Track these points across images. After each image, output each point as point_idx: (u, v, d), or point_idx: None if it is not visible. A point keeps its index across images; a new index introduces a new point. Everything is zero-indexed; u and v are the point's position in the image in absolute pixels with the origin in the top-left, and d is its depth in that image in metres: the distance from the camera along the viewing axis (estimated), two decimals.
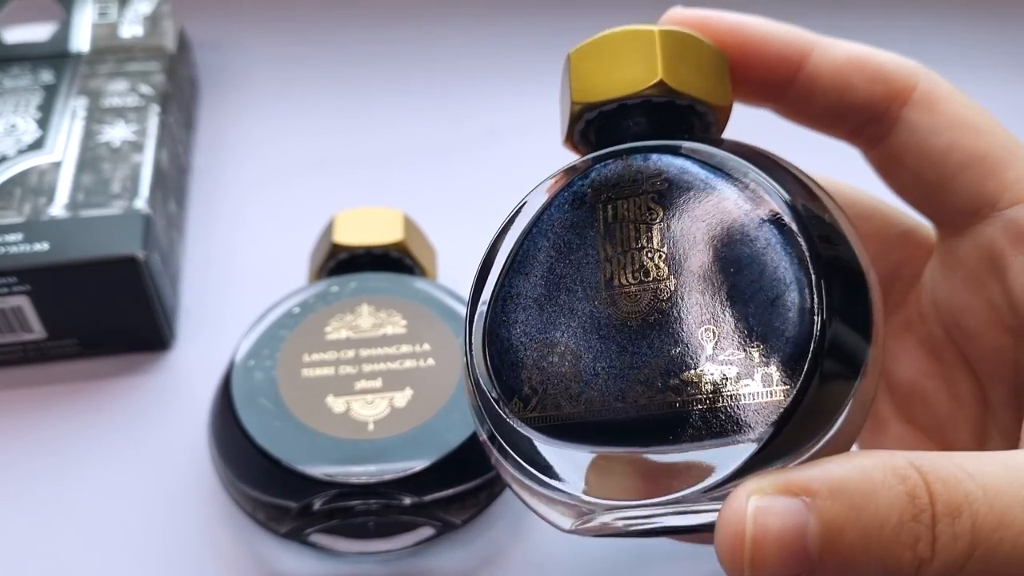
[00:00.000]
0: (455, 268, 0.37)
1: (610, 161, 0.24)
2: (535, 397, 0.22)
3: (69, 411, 0.36)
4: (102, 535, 0.32)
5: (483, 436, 0.24)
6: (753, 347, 0.21)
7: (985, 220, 0.24)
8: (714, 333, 0.21)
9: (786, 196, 0.22)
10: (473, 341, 0.24)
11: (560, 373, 0.22)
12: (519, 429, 0.22)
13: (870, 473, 0.19)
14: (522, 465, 0.22)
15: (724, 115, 0.25)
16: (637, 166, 0.23)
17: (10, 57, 0.43)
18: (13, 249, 0.35)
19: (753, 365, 0.21)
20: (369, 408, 0.30)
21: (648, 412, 0.21)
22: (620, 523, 0.22)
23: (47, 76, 0.42)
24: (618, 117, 0.25)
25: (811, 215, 0.22)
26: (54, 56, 0.43)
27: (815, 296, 0.20)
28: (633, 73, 0.24)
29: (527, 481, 0.22)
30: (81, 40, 0.44)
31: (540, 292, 0.23)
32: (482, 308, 0.24)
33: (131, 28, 0.44)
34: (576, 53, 0.25)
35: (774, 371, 0.20)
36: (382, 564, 0.31)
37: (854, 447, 0.22)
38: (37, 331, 0.36)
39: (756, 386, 0.20)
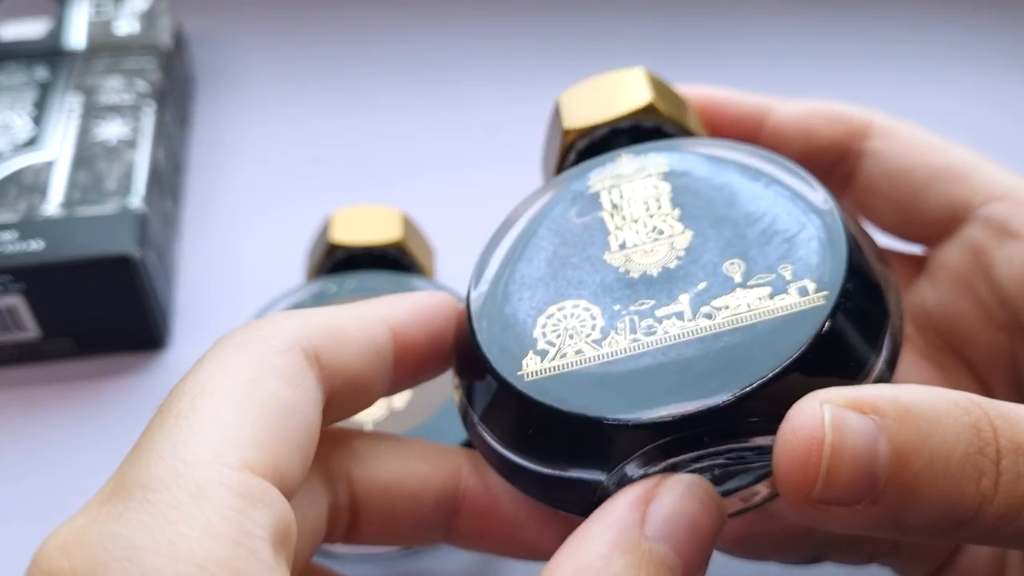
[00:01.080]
0: (454, 267, 0.37)
1: (608, 162, 0.24)
2: (552, 349, 0.21)
3: (64, 411, 0.36)
4: None
5: (482, 428, 0.22)
6: (782, 268, 0.20)
7: (963, 223, 0.25)
8: (740, 265, 0.21)
9: (788, 164, 0.22)
10: (475, 324, 0.22)
11: (578, 324, 0.21)
12: (535, 390, 0.20)
13: (934, 402, 0.18)
14: (539, 437, 0.20)
15: None
16: (636, 159, 0.24)
17: (5, 54, 0.43)
18: (8, 248, 0.35)
19: (786, 282, 0.20)
20: (367, 409, 0.30)
21: (683, 341, 0.20)
22: (659, 466, 0.19)
23: (42, 73, 0.42)
24: (608, 143, 0.25)
25: (813, 180, 0.22)
26: (49, 53, 0.43)
27: (838, 228, 0.20)
28: (623, 100, 0.25)
29: (540, 466, 0.20)
30: (76, 37, 0.43)
31: (544, 272, 0.22)
32: (479, 296, 0.22)
33: (127, 25, 0.44)
34: (565, 95, 0.26)
35: (808, 283, 0.20)
36: (381, 566, 0.31)
37: None
38: (32, 330, 0.36)
39: (793, 298, 0.20)
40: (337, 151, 0.45)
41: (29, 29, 0.44)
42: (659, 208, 0.22)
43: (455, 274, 0.36)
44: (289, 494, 0.18)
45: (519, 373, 0.21)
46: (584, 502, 0.20)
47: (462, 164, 0.44)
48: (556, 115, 0.26)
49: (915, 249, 0.28)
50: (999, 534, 0.18)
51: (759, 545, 0.26)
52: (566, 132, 0.25)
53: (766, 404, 0.19)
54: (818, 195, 0.22)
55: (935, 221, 0.26)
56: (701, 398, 0.19)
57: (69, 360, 0.37)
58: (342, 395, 0.21)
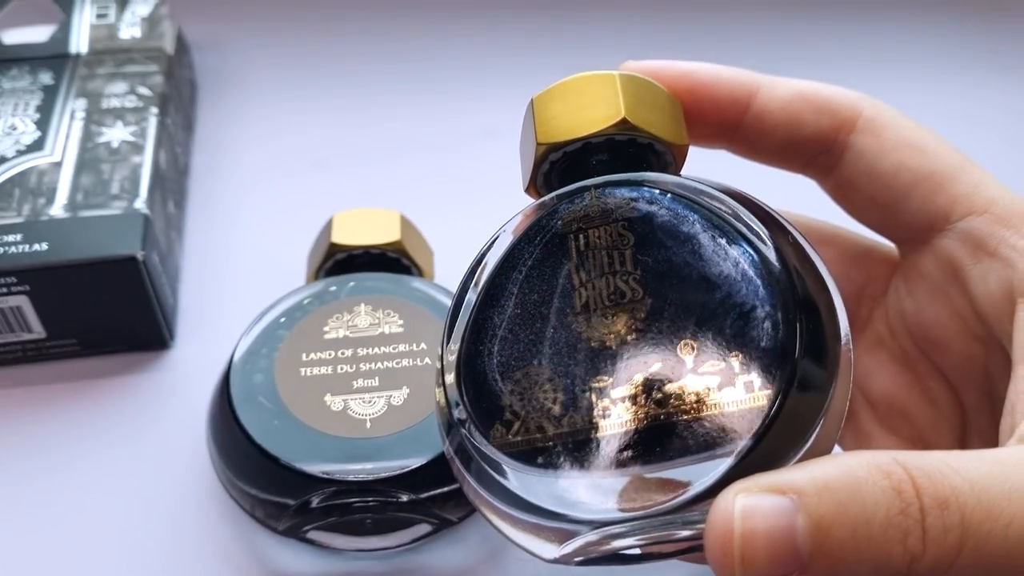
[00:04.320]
0: (452, 268, 0.38)
1: (576, 197, 0.24)
2: (517, 421, 0.22)
3: (68, 410, 0.36)
4: (101, 533, 0.32)
5: (459, 467, 0.23)
6: (732, 357, 0.21)
7: (941, 233, 0.25)
8: (693, 347, 0.22)
9: (750, 219, 0.23)
10: (446, 378, 0.24)
11: (541, 396, 0.22)
12: (500, 456, 0.22)
13: (854, 470, 0.19)
14: (506, 491, 0.22)
15: (681, 155, 0.26)
16: (605, 198, 0.24)
17: (9, 58, 0.43)
18: (12, 249, 0.35)
19: (734, 374, 0.21)
20: (367, 406, 0.31)
21: (634, 427, 0.21)
22: (607, 544, 0.21)
23: (46, 77, 0.42)
24: (581, 157, 0.25)
25: (776, 235, 0.23)
26: (53, 57, 0.43)
27: (787, 307, 0.21)
28: (596, 113, 0.25)
29: (508, 509, 0.22)
30: (80, 42, 0.44)
31: (515, 323, 0.23)
32: (454, 346, 0.24)
33: (129, 30, 0.44)
34: (539, 98, 0.26)
35: (755, 377, 0.21)
36: (379, 561, 0.32)
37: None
38: (37, 331, 0.37)
39: (739, 393, 0.21)
40: (337, 154, 0.46)
41: (33, 34, 0.44)
42: (622, 264, 0.23)
43: (453, 275, 0.37)
44: None
45: (488, 436, 0.23)
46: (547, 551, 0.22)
47: (460, 166, 0.45)
48: (530, 120, 0.26)
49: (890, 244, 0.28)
50: None
51: None
52: (539, 145, 0.25)
53: (705, 497, 0.20)
54: (775, 259, 0.22)
55: (913, 227, 0.26)
56: (645, 501, 0.21)
57: (73, 360, 0.38)
58: None
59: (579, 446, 0.22)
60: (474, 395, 0.23)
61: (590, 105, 0.25)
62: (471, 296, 0.24)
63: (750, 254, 0.22)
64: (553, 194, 0.25)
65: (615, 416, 0.21)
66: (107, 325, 0.37)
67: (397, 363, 0.32)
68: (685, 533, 0.21)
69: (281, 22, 0.52)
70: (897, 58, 0.49)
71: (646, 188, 0.24)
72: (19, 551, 0.32)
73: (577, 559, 0.22)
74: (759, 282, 0.22)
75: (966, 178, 0.25)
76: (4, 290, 0.35)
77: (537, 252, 0.24)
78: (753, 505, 0.19)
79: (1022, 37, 0.50)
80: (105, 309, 0.36)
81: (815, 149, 0.26)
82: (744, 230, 0.23)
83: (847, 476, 0.19)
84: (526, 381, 0.23)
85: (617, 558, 0.22)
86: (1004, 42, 0.49)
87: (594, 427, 0.22)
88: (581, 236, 0.24)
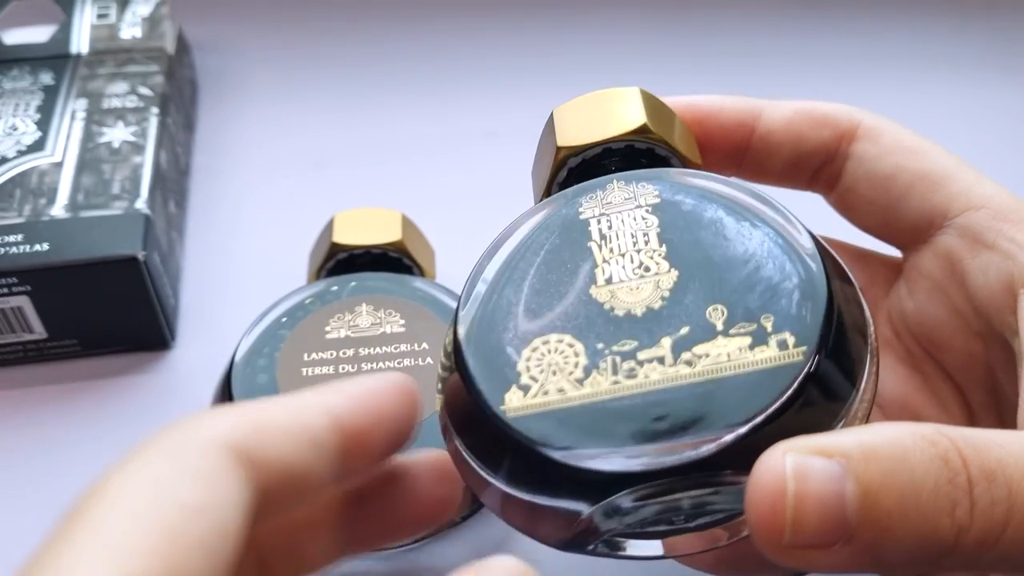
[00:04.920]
0: (454, 268, 0.38)
1: (598, 188, 0.24)
2: (535, 385, 0.21)
3: (70, 411, 0.36)
4: None
5: (463, 449, 0.22)
6: (764, 319, 0.21)
7: (939, 230, 0.26)
8: (722, 311, 0.21)
9: (776, 207, 0.23)
10: (461, 348, 0.22)
11: (562, 360, 0.21)
12: (517, 426, 0.21)
13: (901, 438, 0.18)
14: (519, 470, 0.21)
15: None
16: (628, 186, 0.24)
17: (10, 59, 0.43)
18: (13, 250, 0.35)
19: (767, 334, 0.20)
20: None
21: (662, 386, 0.20)
22: (631, 515, 0.20)
23: (47, 78, 0.42)
24: (599, 163, 0.25)
25: (797, 222, 0.22)
26: (54, 58, 0.43)
27: (816, 280, 0.21)
28: (617, 120, 0.25)
29: (520, 493, 0.21)
30: (80, 42, 0.44)
31: (531, 301, 0.22)
32: (467, 321, 0.22)
33: (130, 30, 0.44)
34: (559, 110, 0.26)
35: (788, 336, 0.20)
36: (381, 560, 0.32)
37: None
38: (38, 331, 0.37)
39: (773, 351, 0.20)
40: (339, 154, 0.46)
41: (34, 34, 0.44)
42: (647, 243, 0.22)
43: (455, 274, 0.37)
44: None
45: (502, 407, 0.21)
46: (562, 531, 0.21)
47: (462, 167, 0.45)
48: (549, 129, 0.26)
49: (895, 251, 0.28)
50: (982, 561, 0.18)
51: (744, 564, 0.25)
52: (559, 149, 0.25)
53: (740, 456, 0.19)
54: (802, 239, 0.22)
55: (913, 226, 0.26)
56: (677, 450, 0.19)
57: (74, 360, 0.38)
58: (278, 490, 0.19)
59: (601, 408, 0.20)
60: (486, 367, 0.21)
61: (611, 113, 0.25)
62: (480, 288, 0.23)
63: (778, 234, 0.22)
64: (572, 188, 0.24)
65: (641, 377, 0.20)
66: (108, 325, 0.37)
67: (399, 363, 0.32)
68: (713, 498, 0.20)
69: (282, 22, 0.52)
70: (897, 58, 0.49)
71: (669, 182, 0.24)
72: (19, 552, 0.32)
73: (591, 541, 0.21)
74: (787, 258, 0.21)
75: (963, 177, 0.25)
76: (5, 290, 0.35)
77: (555, 237, 0.23)
78: (805, 465, 0.18)
79: (1022, 38, 0.50)
80: (106, 309, 0.36)
81: (818, 161, 0.27)
82: (771, 214, 0.22)
83: (894, 443, 0.18)
84: (544, 348, 0.21)
85: (635, 535, 0.21)
86: (1004, 42, 0.49)
87: (619, 388, 0.20)
88: (604, 219, 0.23)
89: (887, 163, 0.26)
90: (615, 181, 0.24)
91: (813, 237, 0.22)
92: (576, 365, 0.21)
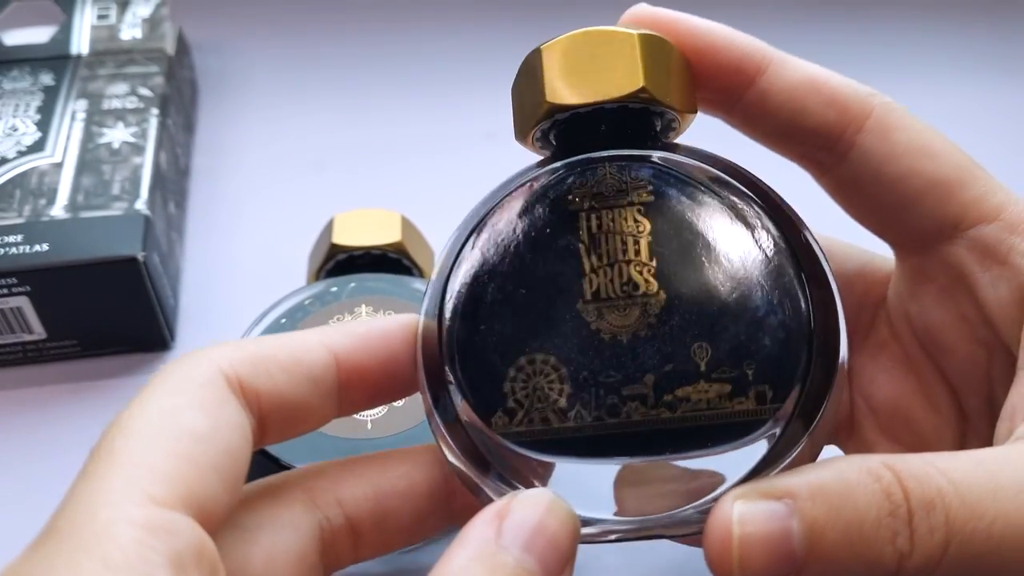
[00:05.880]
0: None
1: (588, 170, 0.23)
2: (520, 411, 0.22)
3: (69, 411, 0.36)
4: None
5: (453, 457, 0.22)
6: (746, 366, 0.21)
7: (950, 241, 0.25)
8: (707, 350, 0.21)
9: (768, 213, 0.22)
10: (443, 351, 0.22)
11: (547, 386, 0.22)
12: (505, 444, 0.22)
13: (846, 474, 0.20)
14: (507, 483, 0.22)
15: (687, 122, 0.25)
16: (619, 176, 0.23)
17: (10, 59, 0.43)
18: (13, 250, 0.35)
19: (747, 383, 0.21)
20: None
21: (642, 428, 0.21)
22: (610, 536, 0.21)
23: (47, 78, 0.42)
24: (589, 120, 0.24)
25: (791, 232, 0.22)
26: (54, 58, 0.43)
27: (804, 318, 0.21)
28: (613, 77, 0.23)
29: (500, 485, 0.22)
30: (81, 43, 0.44)
31: (517, 300, 0.22)
32: (449, 315, 0.22)
33: (130, 31, 0.45)
34: (548, 49, 0.23)
35: (767, 390, 0.21)
36: (380, 561, 0.31)
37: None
38: (37, 332, 0.37)
39: (751, 404, 0.21)
40: (338, 154, 0.46)
41: (34, 35, 0.44)
42: (637, 254, 0.22)
43: None
44: (211, 517, 0.20)
45: (489, 427, 0.22)
46: None
47: (461, 167, 0.45)
48: (535, 71, 0.23)
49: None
50: None
51: None
52: (546, 102, 0.23)
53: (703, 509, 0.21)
54: (786, 258, 0.22)
55: (922, 233, 0.25)
56: (644, 507, 0.21)
57: (74, 361, 0.38)
58: (276, 420, 0.22)
59: (583, 442, 0.21)
60: (472, 374, 0.22)
61: (606, 67, 0.23)
62: (467, 266, 0.23)
63: (766, 255, 0.22)
64: (561, 163, 0.23)
65: (623, 415, 0.21)
66: (108, 326, 0.37)
67: None
68: (682, 533, 0.21)
69: (282, 23, 0.52)
70: (899, 59, 0.49)
71: (663, 169, 0.23)
72: (17, 552, 0.32)
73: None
74: (774, 285, 0.22)
75: (976, 184, 0.25)
76: (5, 291, 0.35)
77: (543, 225, 0.23)
78: (751, 510, 0.20)
79: (1022, 39, 0.50)
80: (106, 310, 0.36)
81: (816, 143, 0.25)
82: (762, 225, 0.22)
83: (839, 480, 0.20)
84: (530, 368, 0.22)
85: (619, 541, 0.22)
86: (1005, 43, 0.49)
87: (601, 424, 0.21)
88: (594, 216, 0.22)
89: (898, 166, 0.25)
90: (607, 166, 0.23)
91: (804, 241, 0.22)
92: (560, 393, 0.22)
